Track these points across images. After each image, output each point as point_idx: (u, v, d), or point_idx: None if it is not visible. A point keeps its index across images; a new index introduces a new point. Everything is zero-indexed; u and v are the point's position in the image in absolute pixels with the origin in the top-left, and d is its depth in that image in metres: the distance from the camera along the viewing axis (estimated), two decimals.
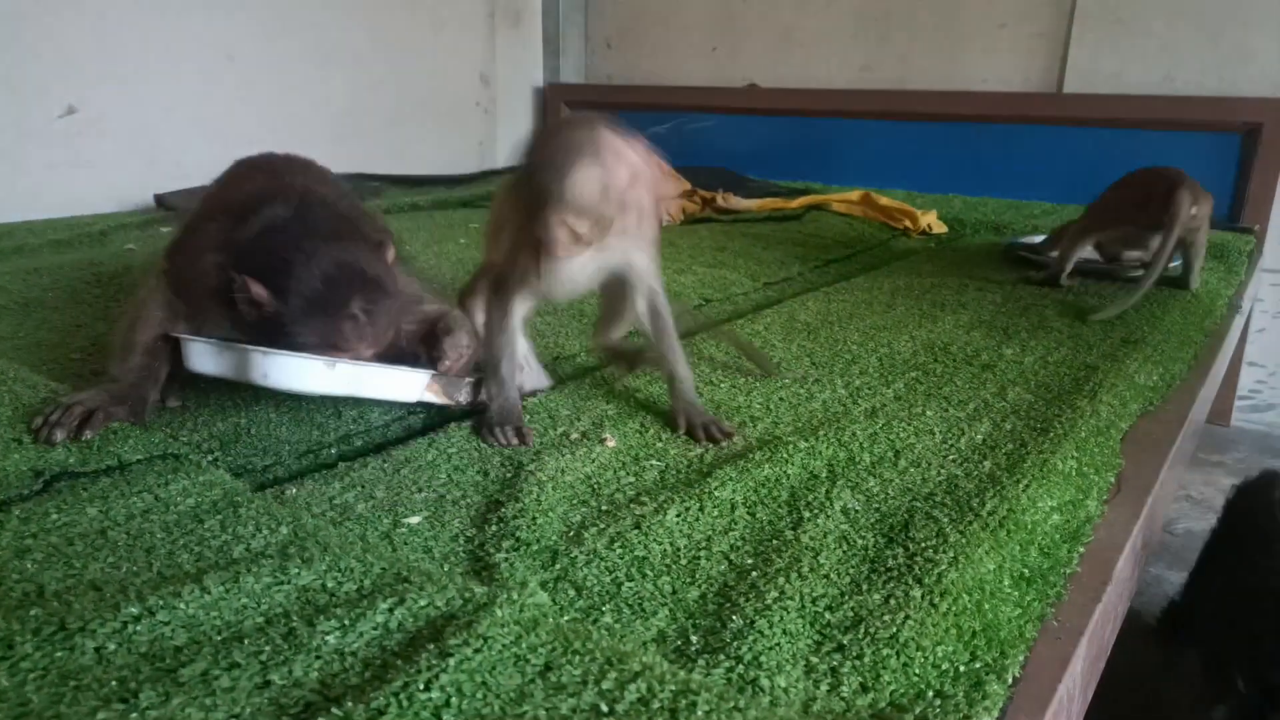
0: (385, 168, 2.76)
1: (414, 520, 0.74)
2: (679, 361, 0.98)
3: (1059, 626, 0.65)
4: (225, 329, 0.89)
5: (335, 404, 0.96)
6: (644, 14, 3.31)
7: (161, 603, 0.56)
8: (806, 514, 0.77)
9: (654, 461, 0.87)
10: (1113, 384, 1.13)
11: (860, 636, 0.60)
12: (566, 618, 0.61)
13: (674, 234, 2.16)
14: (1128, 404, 1.09)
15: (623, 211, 0.84)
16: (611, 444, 0.90)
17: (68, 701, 0.47)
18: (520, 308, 0.94)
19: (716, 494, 0.79)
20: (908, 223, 2.35)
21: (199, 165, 2.30)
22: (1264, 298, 2.41)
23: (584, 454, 0.87)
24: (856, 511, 0.78)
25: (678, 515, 0.75)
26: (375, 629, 0.55)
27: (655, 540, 0.71)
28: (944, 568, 0.68)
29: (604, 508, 0.77)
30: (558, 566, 0.68)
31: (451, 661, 0.51)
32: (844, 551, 0.71)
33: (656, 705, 0.49)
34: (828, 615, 0.63)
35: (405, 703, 0.48)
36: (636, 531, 0.72)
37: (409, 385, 0.87)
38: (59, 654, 0.51)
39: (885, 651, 0.58)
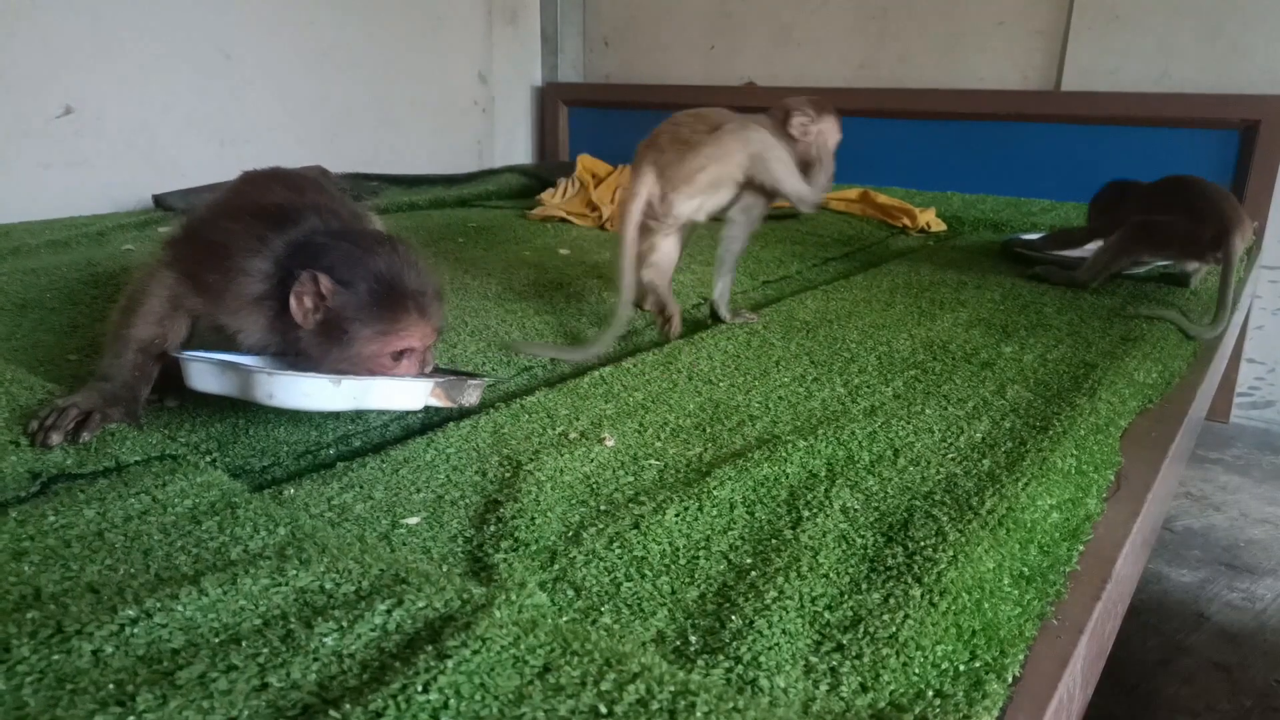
0: (383, 167, 2.76)
1: (412, 521, 0.74)
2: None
3: (1059, 625, 0.65)
4: (247, 331, 0.88)
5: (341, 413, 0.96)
6: (642, 12, 3.31)
7: (159, 605, 0.56)
8: (805, 513, 0.76)
9: (653, 461, 0.87)
10: (1112, 381, 1.13)
11: (860, 636, 0.60)
12: (565, 618, 0.61)
13: None
14: (1127, 401, 1.09)
15: None
16: (610, 444, 0.90)
17: (64, 705, 0.47)
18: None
19: (715, 493, 0.79)
20: (906, 221, 2.35)
21: (197, 165, 2.33)
22: (1262, 294, 2.41)
23: (583, 454, 0.87)
24: (856, 510, 0.78)
25: (677, 515, 0.75)
26: (373, 630, 0.55)
27: (654, 540, 0.71)
28: (943, 566, 0.68)
29: (603, 508, 0.77)
30: (556, 567, 0.68)
31: (450, 663, 0.51)
32: (843, 551, 0.71)
33: (655, 706, 0.49)
34: (827, 615, 0.62)
35: (403, 705, 0.47)
36: (635, 531, 0.72)
37: (414, 393, 0.87)
38: (56, 657, 0.51)
39: (885, 651, 0.58)
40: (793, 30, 3.01)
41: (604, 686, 0.50)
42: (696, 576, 0.67)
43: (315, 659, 0.52)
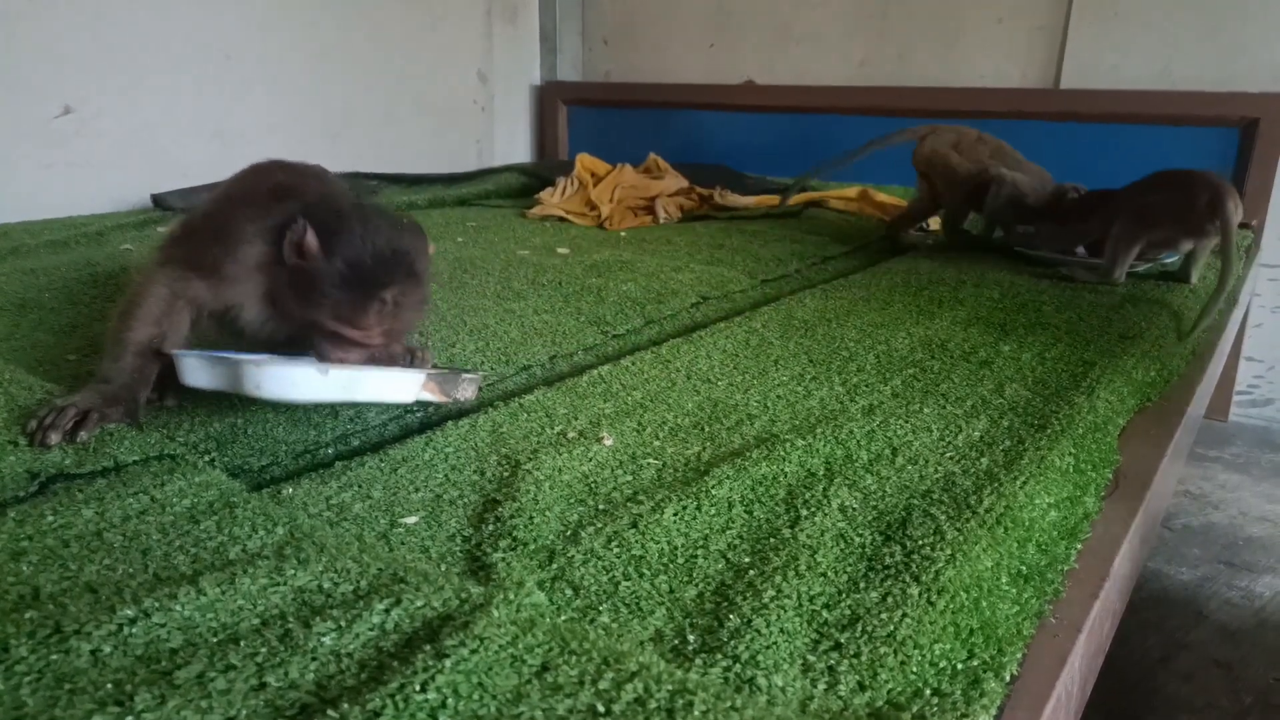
0: (382, 166, 2.76)
1: (411, 520, 0.74)
2: None
3: (1057, 624, 0.65)
4: (246, 301, 0.88)
5: (332, 404, 0.96)
6: (641, 10, 3.31)
7: (157, 605, 0.56)
8: (804, 512, 0.77)
9: (651, 460, 0.87)
10: (1110, 380, 1.13)
11: (858, 635, 0.60)
12: (563, 617, 0.61)
13: (671, 231, 2.16)
14: (1125, 400, 1.09)
15: None
16: (609, 443, 0.90)
17: (63, 705, 0.47)
18: None
19: (714, 492, 0.79)
20: None
21: (196, 165, 2.32)
22: (1261, 292, 2.41)
23: (581, 453, 0.87)
24: (854, 509, 0.78)
25: (675, 514, 0.75)
26: (371, 630, 0.55)
27: (652, 539, 0.71)
28: (941, 565, 0.68)
29: (601, 507, 0.77)
30: (555, 566, 0.68)
31: (448, 662, 0.51)
32: (841, 549, 0.71)
33: (653, 705, 0.49)
34: (825, 613, 0.63)
35: (401, 704, 0.48)
36: (634, 530, 0.72)
37: (405, 386, 0.87)
38: (54, 657, 0.51)
39: (883, 649, 0.58)
40: (792, 28, 3.01)
41: (602, 685, 0.50)
42: (695, 575, 0.67)
43: (313, 658, 0.52)
